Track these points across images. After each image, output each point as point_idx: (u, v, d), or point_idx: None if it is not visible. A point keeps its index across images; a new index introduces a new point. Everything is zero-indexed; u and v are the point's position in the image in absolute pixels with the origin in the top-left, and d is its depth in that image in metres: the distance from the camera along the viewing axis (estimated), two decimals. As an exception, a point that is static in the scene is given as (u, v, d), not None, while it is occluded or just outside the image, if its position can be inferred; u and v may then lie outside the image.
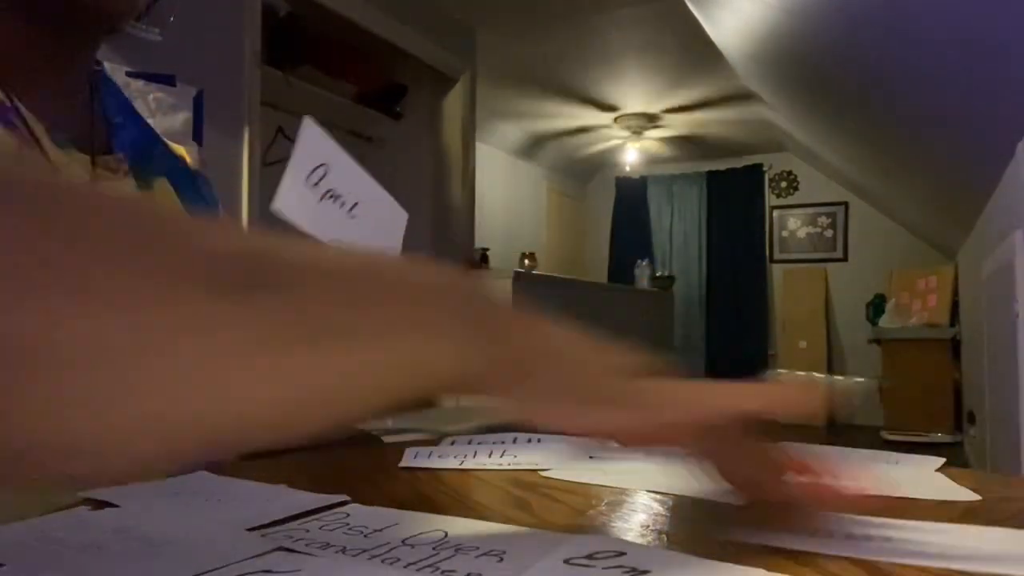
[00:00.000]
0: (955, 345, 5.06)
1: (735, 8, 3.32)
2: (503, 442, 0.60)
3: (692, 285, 6.89)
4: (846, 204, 6.36)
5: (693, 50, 4.25)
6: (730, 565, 0.29)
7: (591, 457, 0.55)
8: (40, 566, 0.30)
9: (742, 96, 5.07)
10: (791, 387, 0.35)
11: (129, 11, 0.54)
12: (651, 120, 5.73)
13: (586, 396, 0.32)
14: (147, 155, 0.59)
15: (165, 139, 0.65)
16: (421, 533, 0.33)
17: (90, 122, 0.55)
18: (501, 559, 0.30)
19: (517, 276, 3.59)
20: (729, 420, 0.33)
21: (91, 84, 0.57)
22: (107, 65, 2.16)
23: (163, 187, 0.59)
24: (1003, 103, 2.46)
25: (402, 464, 0.53)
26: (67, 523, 0.35)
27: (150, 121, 2.21)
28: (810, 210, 6.51)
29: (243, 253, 0.23)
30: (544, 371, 0.32)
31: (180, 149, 0.67)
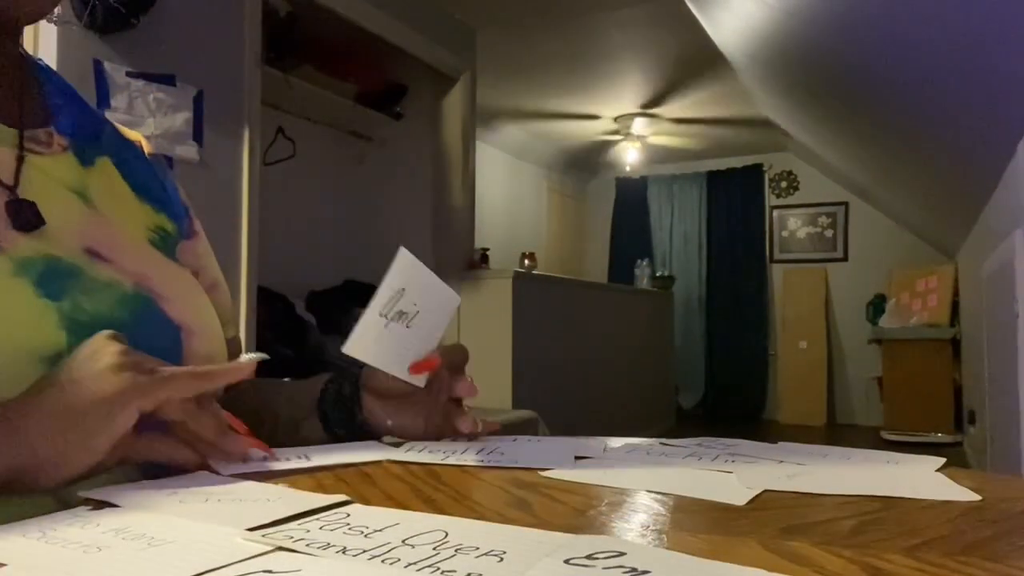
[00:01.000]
0: (955, 345, 5.06)
1: (735, 9, 3.32)
2: (502, 441, 0.60)
3: (692, 285, 6.89)
4: (846, 204, 6.36)
5: (693, 50, 4.25)
6: (730, 565, 0.29)
7: (589, 457, 0.55)
8: (41, 566, 0.30)
9: (742, 96, 5.07)
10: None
11: (37, 15, 0.56)
12: (651, 120, 5.73)
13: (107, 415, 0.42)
14: (92, 136, 0.62)
15: (117, 124, 0.68)
16: (421, 533, 0.33)
17: (19, 101, 0.57)
18: (501, 559, 0.30)
19: (517, 276, 3.60)
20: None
21: (22, 68, 0.60)
22: (107, 65, 2.15)
23: (105, 165, 0.61)
24: (1003, 103, 2.46)
25: (397, 458, 0.53)
26: (68, 523, 0.35)
27: (150, 121, 2.20)
28: (810, 210, 6.51)
29: None
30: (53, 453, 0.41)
31: (135, 134, 0.69)
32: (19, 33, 0.59)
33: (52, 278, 0.49)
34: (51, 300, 0.48)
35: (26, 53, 0.62)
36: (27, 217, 0.50)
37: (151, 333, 0.53)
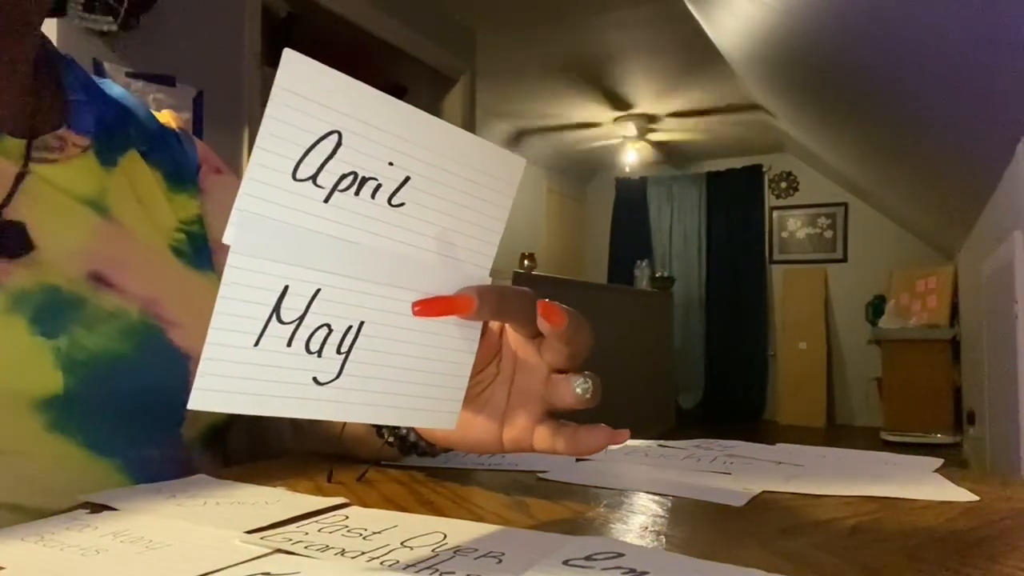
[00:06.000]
0: (955, 346, 5.06)
1: (735, 9, 3.32)
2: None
3: (692, 286, 6.89)
4: (846, 205, 6.36)
5: (693, 51, 4.25)
6: (729, 566, 0.29)
7: (588, 459, 0.55)
8: (40, 569, 0.30)
9: (742, 97, 5.07)
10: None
11: (44, 6, 0.52)
12: (651, 121, 5.73)
13: None
14: (118, 130, 0.58)
15: (146, 107, 0.63)
16: (420, 535, 0.33)
17: (31, 107, 0.53)
18: (500, 560, 0.30)
19: (516, 277, 3.59)
20: None
21: (41, 66, 0.56)
22: (107, 65, 2.15)
23: (132, 161, 0.57)
24: (1003, 103, 2.46)
25: (400, 462, 0.53)
26: (66, 526, 0.35)
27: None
28: (810, 211, 6.51)
29: None
30: None
31: (165, 115, 0.64)
32: (31, 29, 0.54)
33: (50, 312, 0.46)
34: (47, 338, 0.45)
35: (50, 46, 0.58)
36: (11, 241, 0.47)
37: (155, 367, 0.50)
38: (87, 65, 1.98)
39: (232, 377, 0.28)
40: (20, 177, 0.49)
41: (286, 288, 0.29)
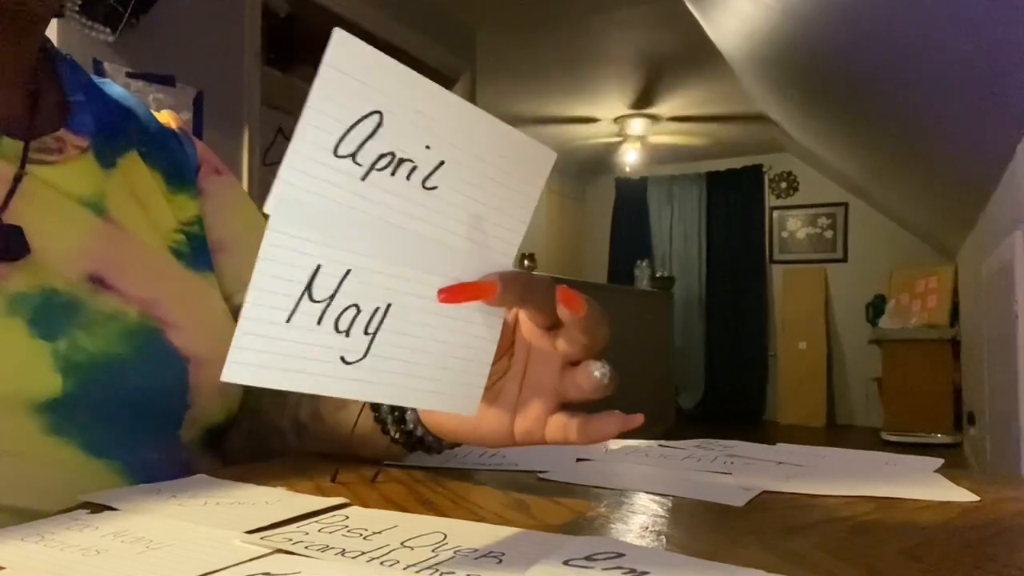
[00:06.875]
0: (955, 346, 5.06)
1: (735, 9, 3.32)
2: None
3: (692, 286, 6.89)
4: (846, 205, 6.36)
5: (693, 51, 4.25)
6: (729, 566, 0.29)
7: (588, 459, 0.55)
8: (40, 569, 0.30)
9: (742, 97, 5.07)
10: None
11: (51, 7, 0.52)
12: (651, 121, 5.73)
13: None
14: (118, 130, 0.57)
15: (146, 107, 0.62)
16: (420, 535, 0.33)
17: (30, 108, 0.53)
18: (500, 560, 0.30)
19: (517, 277, 3.59)
20: None
21: (41, 67, 0.55)
22: (107, 65, 2.15)
23: (131, 162, 0.57)
24: (1003, 103, 2.46)
25: (400, 462, 0.53)
26: (67, 526, 0.35)
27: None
28: (810, 211, 6.51)
29: None
30: None
31: (165, 115, 0.64)
32: (34, 29, 0.54)
33: (48, 314, 0.46)
34: (46, 340, 0.45)
35: (50, 46, 0.57)
36: (9, 245, 0.46)
37: (154, 368, 0.50)
38: (87, 65, 1.98)
39: (265, 352, 0.29)
40: (18, 179, 0.49)
41: (318, 267, 0.30)
